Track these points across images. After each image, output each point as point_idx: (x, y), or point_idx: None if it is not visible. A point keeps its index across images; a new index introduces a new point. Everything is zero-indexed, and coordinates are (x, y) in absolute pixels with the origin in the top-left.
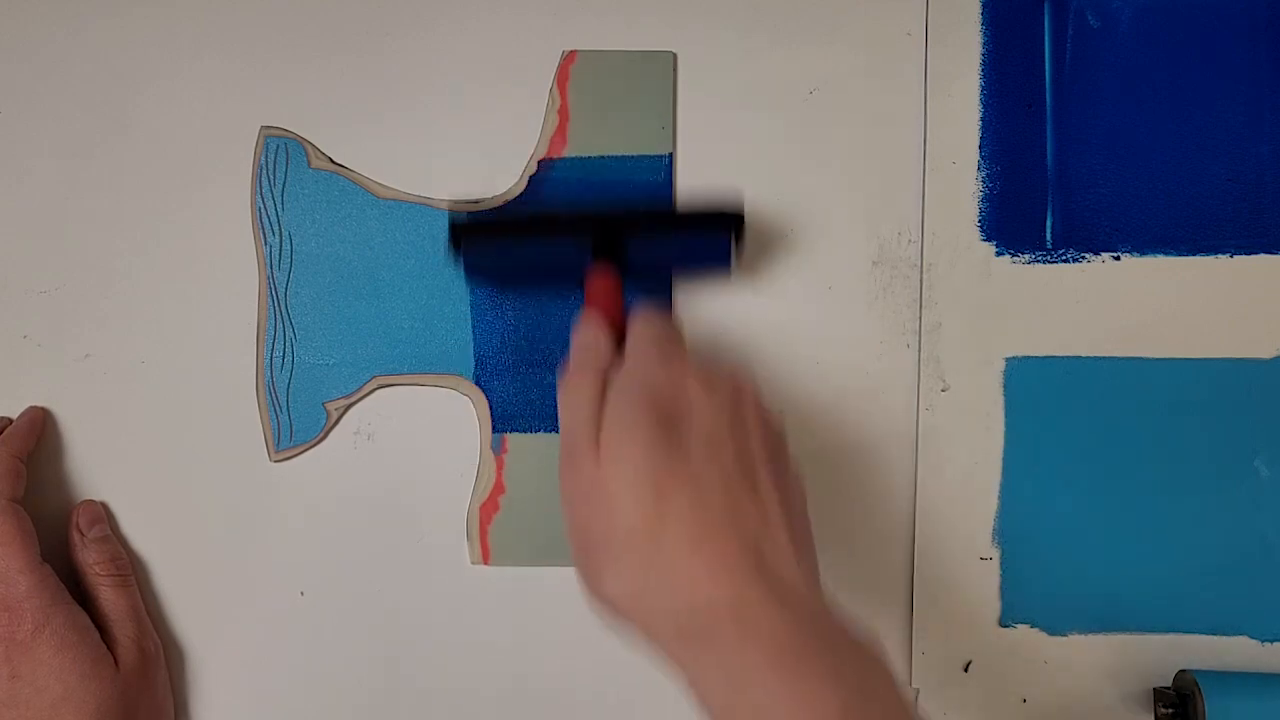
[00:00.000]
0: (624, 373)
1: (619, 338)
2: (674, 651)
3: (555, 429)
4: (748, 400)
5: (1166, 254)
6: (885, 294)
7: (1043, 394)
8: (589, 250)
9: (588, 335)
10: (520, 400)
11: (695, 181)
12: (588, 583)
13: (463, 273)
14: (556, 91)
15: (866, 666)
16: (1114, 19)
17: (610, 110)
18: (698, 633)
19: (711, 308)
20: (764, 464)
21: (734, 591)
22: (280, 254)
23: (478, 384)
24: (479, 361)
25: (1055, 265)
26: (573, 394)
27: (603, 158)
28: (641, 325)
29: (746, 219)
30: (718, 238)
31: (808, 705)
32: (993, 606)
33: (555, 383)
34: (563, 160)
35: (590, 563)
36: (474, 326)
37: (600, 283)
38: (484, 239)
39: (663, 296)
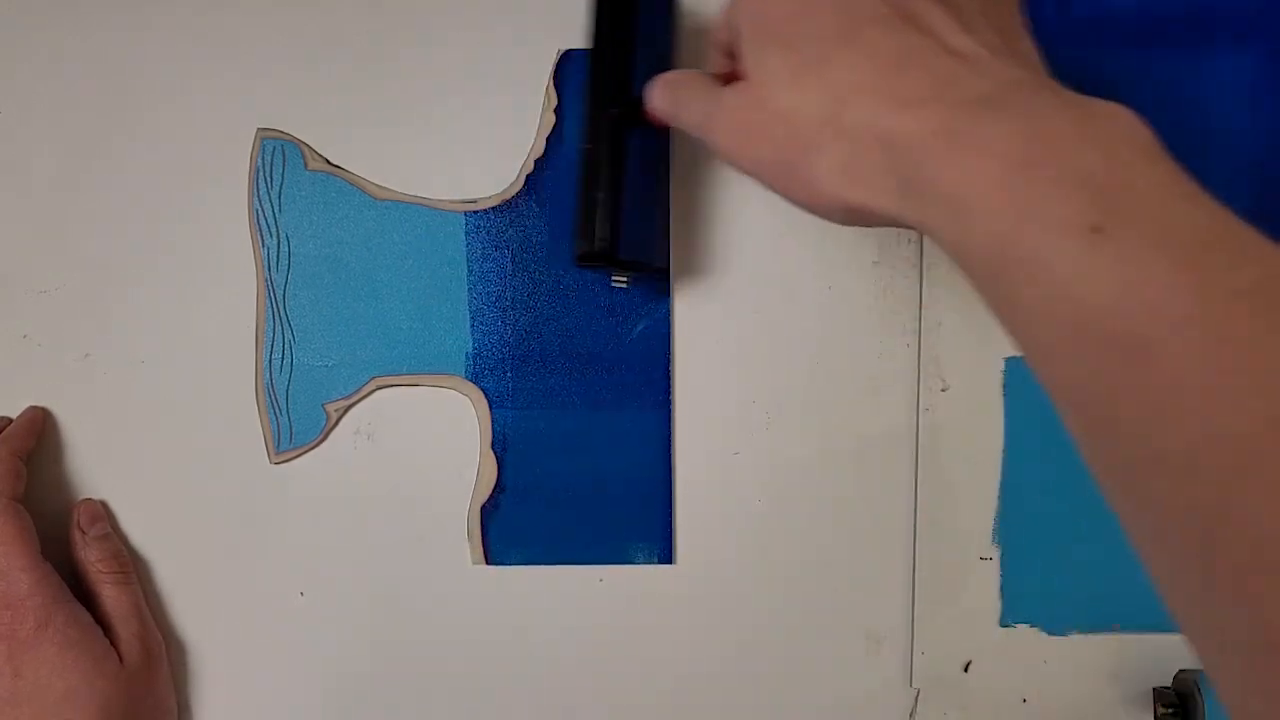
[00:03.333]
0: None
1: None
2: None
3: (556, 428)
4: None
5: None
6: (885, 294)
7: (1043, 394)
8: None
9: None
10: (520, 400)
11: (694, 181)
12: (804, 189)
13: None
14: (552, 91)
15: (1132, 158)
16: (1114, 18)
17: None
18: (959, 109)
19: (711, 307)
20: None
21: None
22: (278, 256)
23: (477, 384)
24: (478, 361)
25: None
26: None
27: None
28: None
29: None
30: None
31: (1051, 217)
32: (993, 606)
33: (555, 382)
34: (559, 159)
35: (789, 165)
36: (473, 326)
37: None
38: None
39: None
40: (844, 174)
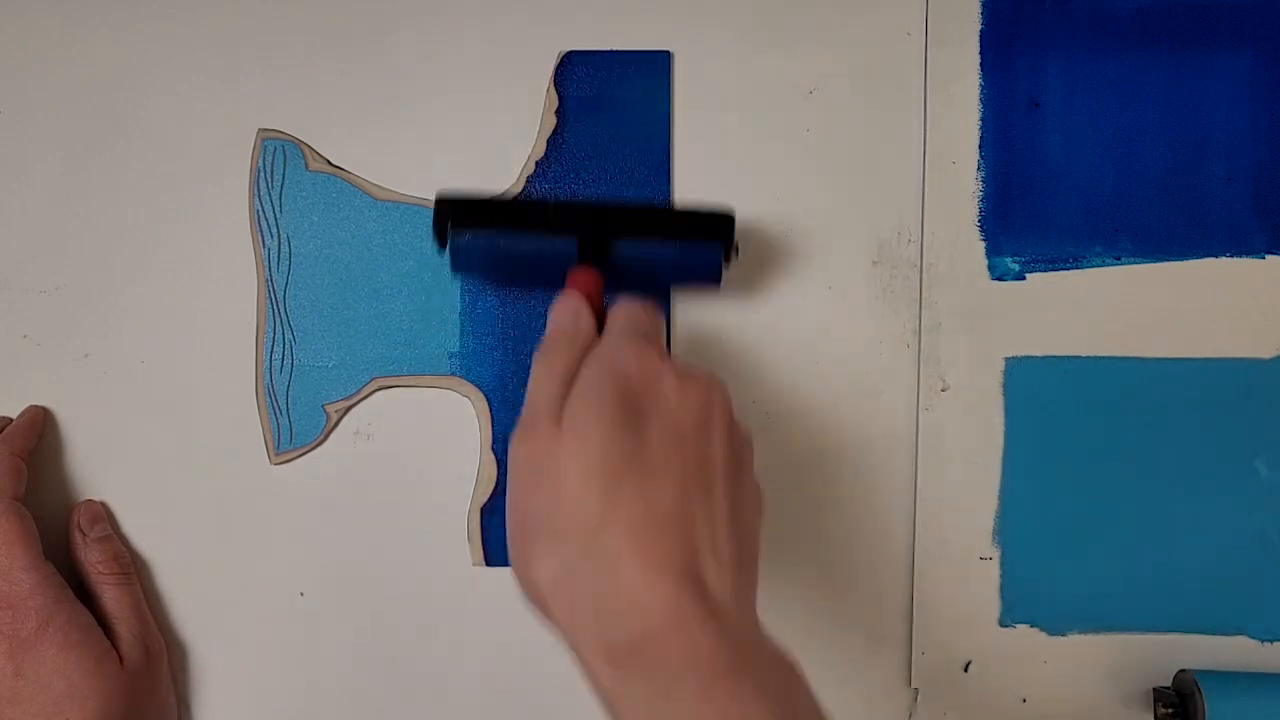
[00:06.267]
0: (597, 352)
1: (599, 323)
2: (594, 653)
3: None
4: (718, 405)
5: (1166, 254)
6: (885, 294)
7: (1043, 394)
8: (575, 248)
9: (568, 310)
10: (520, 401)
11: (693, 180)
12: (518, 562)
13: (447, 257)
14: (553, 92)
15: (791, 685)
16: (1114, 18)
17: (607, 110)
18: (624, 641)
19: (710, 308)
20: (723, 472)
21: (669, 603)
22: (279, 256)
23: (477, 385)
24: (478, 362)
25: (1055, 265)
26: (545, 364)
27: (599, 158)
28: (623, 311)
29: (737, 228)
30: (708, 245)
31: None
32: (993, 606)
33: None
34: (559, 161)
35: (526, 540)
36: (473, 327)
37: (584, 275)
38: (470, 224)
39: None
40: (559, 579)
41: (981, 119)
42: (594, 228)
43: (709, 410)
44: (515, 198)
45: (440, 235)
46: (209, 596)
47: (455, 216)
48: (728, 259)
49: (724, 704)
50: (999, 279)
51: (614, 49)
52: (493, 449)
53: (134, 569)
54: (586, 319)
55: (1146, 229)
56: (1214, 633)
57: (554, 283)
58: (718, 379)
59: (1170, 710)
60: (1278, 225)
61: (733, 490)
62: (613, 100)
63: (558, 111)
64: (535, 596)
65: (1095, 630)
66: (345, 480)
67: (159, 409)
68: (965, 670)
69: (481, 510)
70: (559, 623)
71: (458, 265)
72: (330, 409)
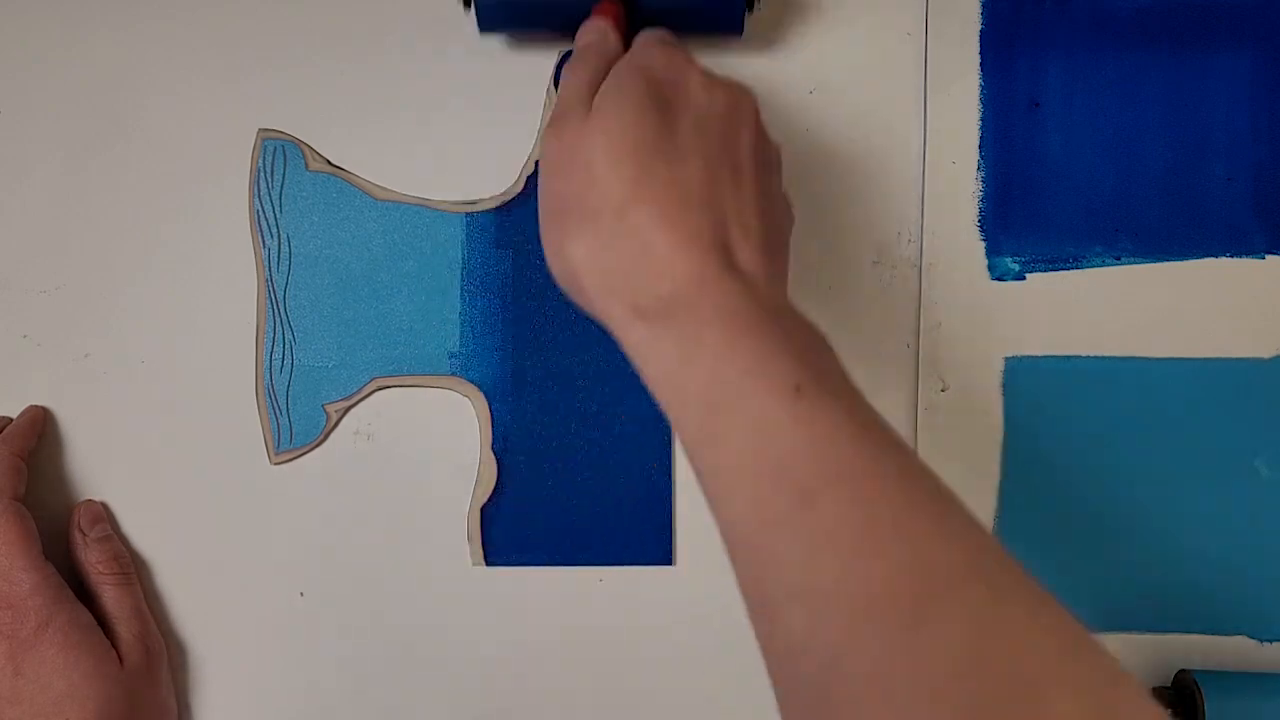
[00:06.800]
0: (627, 56)
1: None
2: (627, 320)
3: (556, 428)
4: (747, 108)
5: (1166, 254)
6: (885, 294)
7: (1042, 394)
8: None
9: (595, 29)
10: (520, 401)
11: None
12: (551, 247)
13: (473, 14)
14: (553, 91)
15: (822, 352)
16: (1114, 18)
17: None
18: (655, 302)
19: None
20: (752, 167)
21: (696, 267)
22: (279, 256)
23: (477, 384)
24: (478, 362)
25: (1055, 265)
26: (575, 70)
27: None
28: (649, 30)
29: None
30: None
31: (763, 376)
32: None
33: (555, 383)
34: None
35: (559, 225)
36: (473, 327)
37: (609, 6)
38: None
39: None
40: (592, 254)
41: (981, 119)
42: None
43: (737, 108)
44: None
45: None
46: (209, 596)
47: None
48: (750, 6)
49: (749, 353)
50: (999, 279)
51: None
52: (493, 449)
53: (134, 569)
54: (613, 36)
55: (1146, 229)
56: (1214, 633)
57: (580, 17)
58: (748, 87)
59: (1170, 710)
60: (1278, 225)
61: (761, 179)
62: None
63: None
64: (569, 276)
65: (1095, 630)
66: (345, 480)
67: (159, 409)
68: None
69: (482, 510)
70: (591, 297)
71: (484, 16)
72: (330, 409)
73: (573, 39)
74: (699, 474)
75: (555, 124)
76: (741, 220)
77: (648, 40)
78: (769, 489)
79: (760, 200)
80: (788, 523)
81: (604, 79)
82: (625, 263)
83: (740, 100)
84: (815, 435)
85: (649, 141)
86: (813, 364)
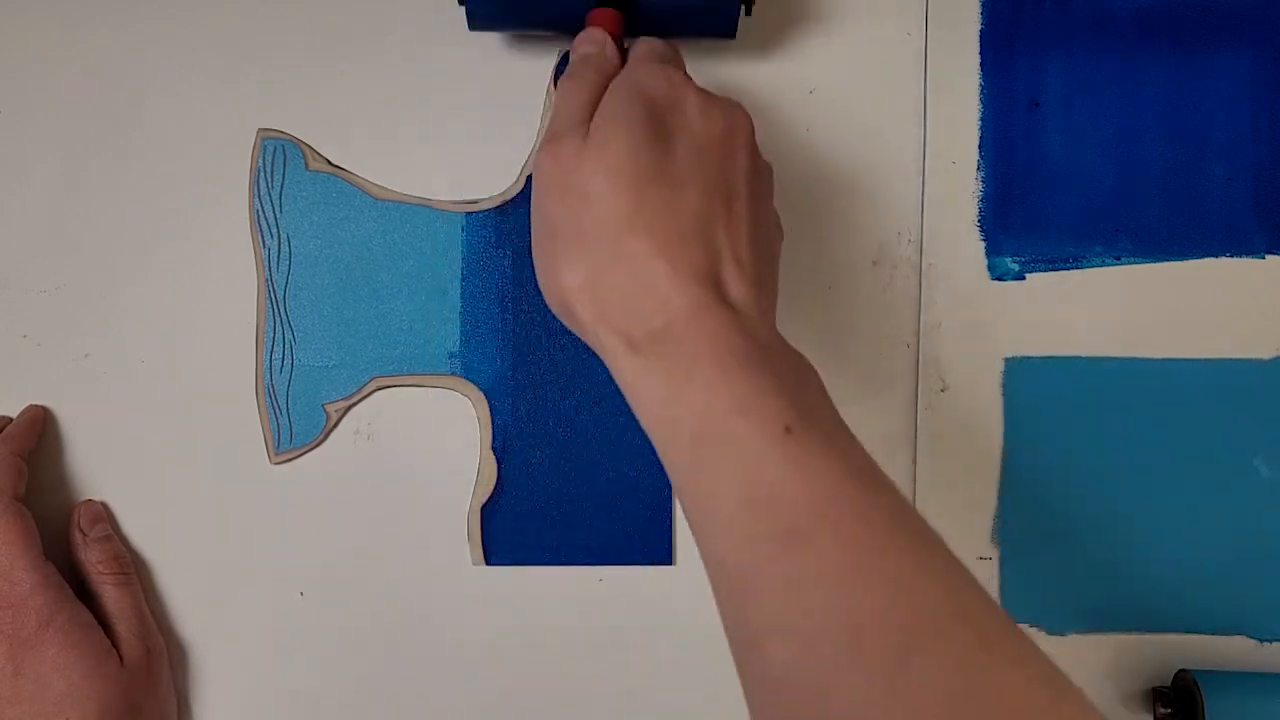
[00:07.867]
0: (623, 74)
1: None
2: (618, 344)
3: (556, 428)
4: (742, 127)
5: (1166, 254)
6: (885, 294)
7: (1042, 394)
8: None
9: (593, 40)
10: (520, 400)
11: None
12: (545, 271)
13: (463, 10)
14: (553, 91)
15: (811, 389)
16: (1114, 18)
17: None
18: (648, 334)
19: None
20: (746, 189)
21: (691, 300)
22: (279, 256)
23: (477, 384)
24: (478, 361)
25: (1055, 265)
26: (571, 85)
27: None
28: (645, 43)
29: None
30: None
31: (754, 414)
32: None
33: (556, 383)
34: None
35: (553, 248)
36: (473, 327)
37: (605, 13)
38: None
39: None
40: (586, 281)
41: (981, 119)
42: None
43: (733, 131)
44: None
45: None
46: (209, 596)
47: None
48: (748, 8)
49: (740, 390)
50: (999, 279)
51: None
52: (493, 449)
53: (134, 569)
54: (611, 48)
55: (1146, 229)
56: (1214, 633)
57: (574, 28)
58: (741, 106)
59: (1170, 710)
60: (1278, 225)
61: (754, 208)
62: None
63: None
64: (561, 302)
65: (1095, 630)
66: (345, 480)
67: (159, 409)
68: None
69: (482, 510)
70: (583, 323)
71: (474, 14)
72: (330, 409)
73: (567, 38)
74: (685, 506)
75: (551, 143)
76: (735, 253)
77: (646, 55)
78: (757, 526)
79: (753, 231)
80: (775, 560)
81: (601, 96)
82: (620, 292)
83: (736, 122)
84: (805, 475)
85: (646, 169)
86: (803, 402)
